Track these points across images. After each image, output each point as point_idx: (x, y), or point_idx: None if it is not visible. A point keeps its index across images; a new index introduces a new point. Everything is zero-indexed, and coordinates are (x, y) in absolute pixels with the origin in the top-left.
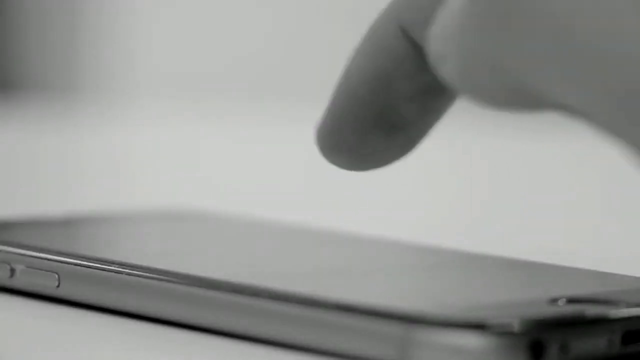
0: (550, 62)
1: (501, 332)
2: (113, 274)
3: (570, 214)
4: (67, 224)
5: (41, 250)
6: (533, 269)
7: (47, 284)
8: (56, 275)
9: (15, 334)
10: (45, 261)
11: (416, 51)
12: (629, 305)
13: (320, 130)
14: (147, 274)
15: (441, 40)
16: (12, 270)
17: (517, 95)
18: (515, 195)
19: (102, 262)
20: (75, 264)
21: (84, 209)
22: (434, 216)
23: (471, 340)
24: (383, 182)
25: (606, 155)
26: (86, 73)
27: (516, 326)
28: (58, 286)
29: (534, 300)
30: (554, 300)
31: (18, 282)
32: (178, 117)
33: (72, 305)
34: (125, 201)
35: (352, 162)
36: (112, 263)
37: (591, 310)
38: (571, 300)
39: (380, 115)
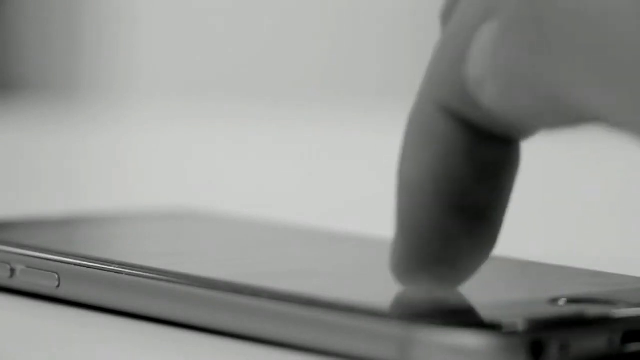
0: (589, 77)
1: (501, 332)
2: (113, 274)
3: (570, 214)
4: (67, 224)
5: (41, 250)
6: (533, 269)
7: (47, 284)
8: (56, 275)
9: (15, 334)
10: (45, 261)
11: (465, 126)
12: (629, 305)
13: (397, 255)
14: (147, 274)
15: (478, 65)
16: (12, 270)
17: (557, 112)
18: (515, 195)
19: (102, 262)
20: (75, 264)
21: (84, 209)
22: None
23: (471, 340)
24: (383, 182)
25: (606, 155)
26: (86, 73)
27: (516, 326)
28: (58, 286)
29: (534, 300)
30: (554, 300)
31: (18, 282)
32: (178, 117)
33: (72, 305)
34: (125, 201)
35: (443, 275)
36: (112, 263)
37: (591, 310)
38: (571, 300)
39: (455, 210)
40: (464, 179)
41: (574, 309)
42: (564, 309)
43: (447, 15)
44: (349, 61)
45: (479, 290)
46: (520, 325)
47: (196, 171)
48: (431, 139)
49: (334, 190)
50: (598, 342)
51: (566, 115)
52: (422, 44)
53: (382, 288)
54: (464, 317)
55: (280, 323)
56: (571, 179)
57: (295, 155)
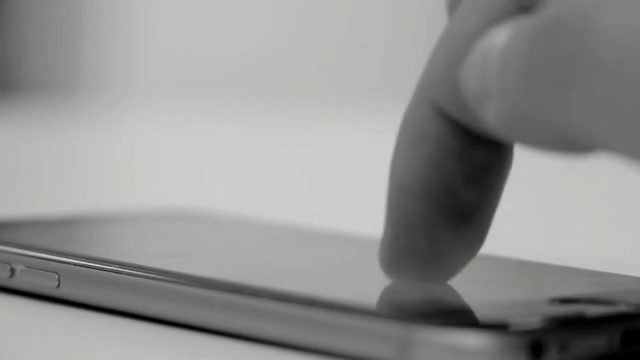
0: (599, 113)
1: (501, 332)
2: (113, 274)
3: (570, 214)
4: (67, 224)
5: (41, 250)
6: (533, 269)
7: (47, 284)
8: (56, 275)
9: (15, 334)
10: (45, 261)
11: (458, 128)
12: (629, 305)
13: (385, 247)
14: (147, 274)
15: (480, 80)
16: (12, 270)
17: (564, 141)
18: (515, 195)
19: (102, 262)
20: (75, 264)
21: (84, 209)
22: None
23: (471, 340)
24: (383, 181)
25: (606, 154)
26: (86, 73)
27: (516, 326)
28: (58, 286)
29: (534, 300)
30: (554, 300)
31: (18, 282)
32: (178, 117)
33: (72, 305)
34: (125, 201)
35: (428, 272)
36: (112, 263)
37: (591, 310)
38: (571, 300)
39: (443, 208)
40: (453, 180)
41: (574, 309)
42: (564, 309)
43: (454, 3)
44: (350, 61)
45: (478, 290)
46: (520, 325)
47: (196, 171)
48: (423, 138)
49: (333, 190)
50: (598, 342)
51: (573, 146)
52: (425, 44)
53: (382, 288)
54: (464, 317)
55: (280, 323)
56: (571, 178)
57: (295, 155)
